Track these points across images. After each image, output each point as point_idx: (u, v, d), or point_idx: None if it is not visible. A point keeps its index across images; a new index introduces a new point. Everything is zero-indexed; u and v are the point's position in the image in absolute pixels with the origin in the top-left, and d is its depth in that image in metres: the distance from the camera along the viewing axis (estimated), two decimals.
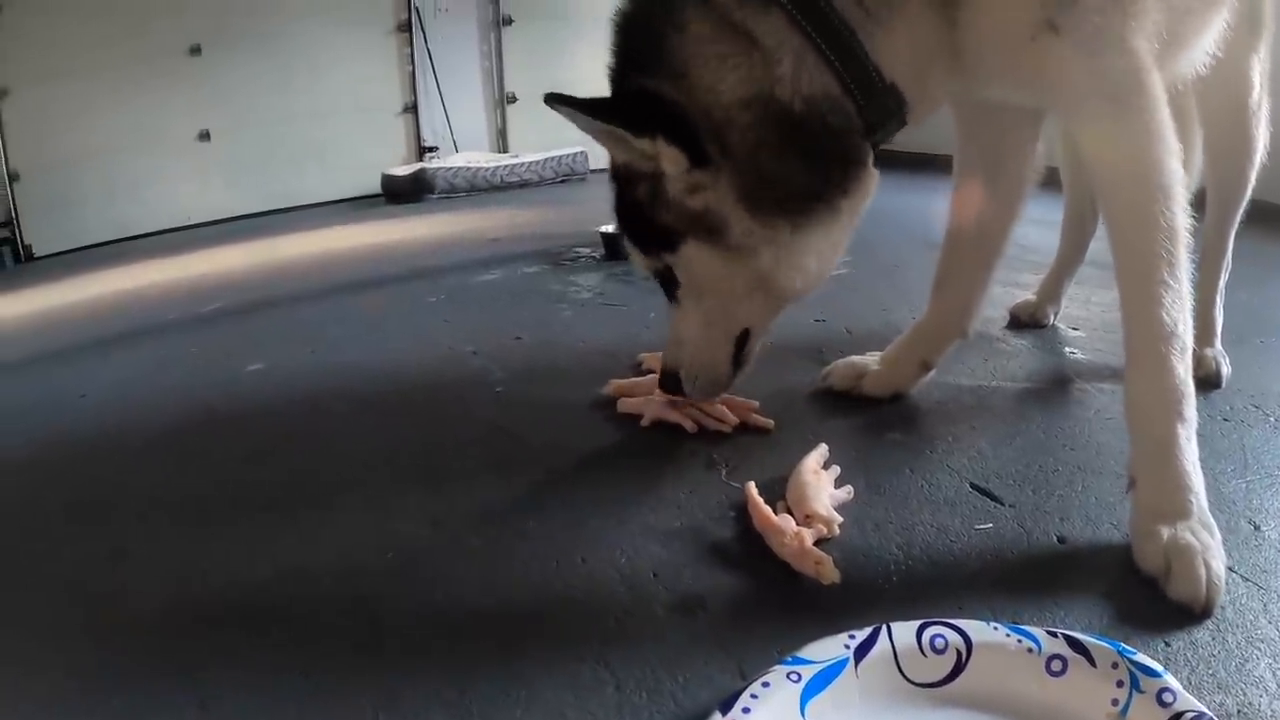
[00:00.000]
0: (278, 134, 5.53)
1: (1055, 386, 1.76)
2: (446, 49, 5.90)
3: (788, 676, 0.87)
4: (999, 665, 0.89)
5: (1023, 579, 1.11)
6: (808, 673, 0.88)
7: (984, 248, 1.62)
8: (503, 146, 6.26)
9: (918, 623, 0.93)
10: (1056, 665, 0.88)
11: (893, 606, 1.04)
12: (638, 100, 1.22)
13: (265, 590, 1.20)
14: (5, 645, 1.15)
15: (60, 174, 4.93)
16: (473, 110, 6.15)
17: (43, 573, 1.32)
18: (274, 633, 1.10)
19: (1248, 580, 1.08)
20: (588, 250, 3.20)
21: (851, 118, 1.21)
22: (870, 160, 1.26)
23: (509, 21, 6.11)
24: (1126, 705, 0.83)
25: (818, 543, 1.15)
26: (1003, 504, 1.29)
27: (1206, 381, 1.64)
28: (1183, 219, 1.12)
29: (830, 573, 1.08)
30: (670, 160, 1.22)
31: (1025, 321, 2.09)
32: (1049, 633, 0.91)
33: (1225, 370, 1.67)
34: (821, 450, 1.39)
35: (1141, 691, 0.83)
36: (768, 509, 1.22)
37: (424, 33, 5.84)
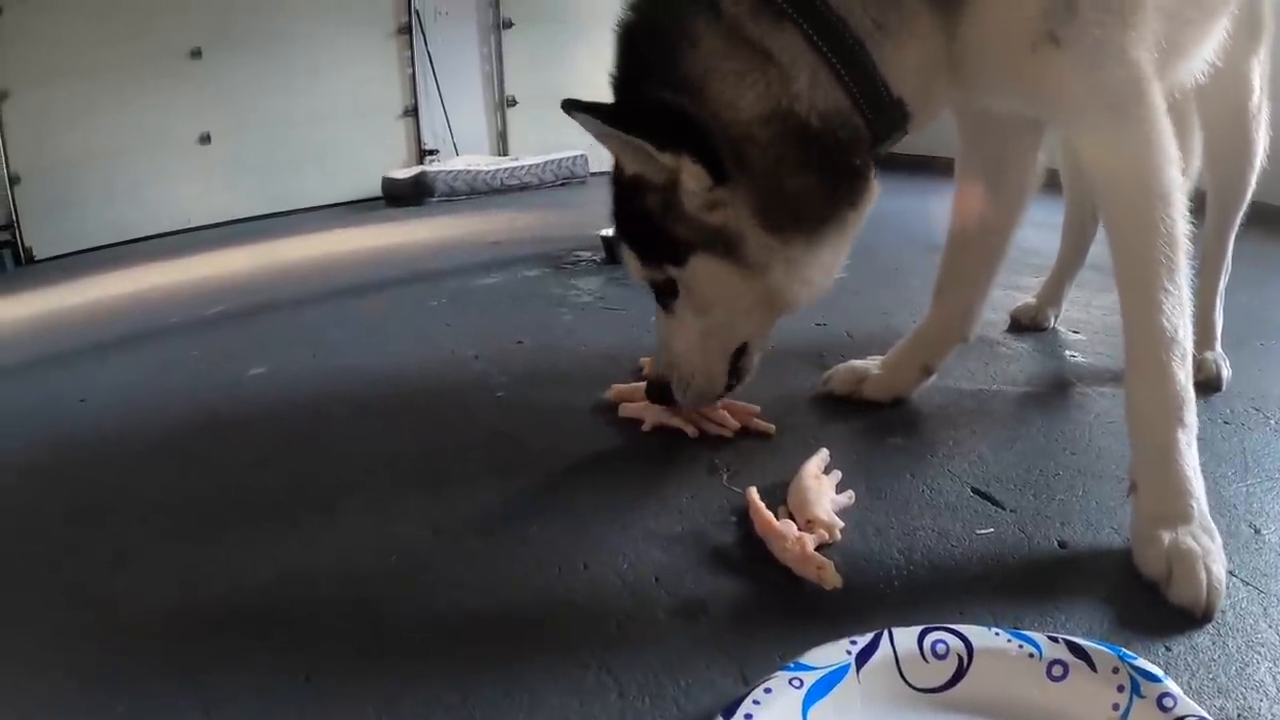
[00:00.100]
0: (278, 137, 5.54)
1: (1056, 390, 1.76)
2: (447, 52, 5.91)
3: (790, 682, 0.87)
4: (1000, 670, 0.90)
5: (1024, 584, 1.11)
6: (810, 678, 0.88)
7: (985, 252, 1.62)
8: (503, 149, 6.27)
9: (919, 628, 0.93)
10: (1057, 670, 0.88)
11: (894, 611, 1.04)
12: (658, 113, 1.20)
13: (267, 594, 1.20)
14: (7, 649, 1.15)
15: (61, 176, 4.95)
16: (473, 113, 6.16)
17: (44, 577, 1.33)
18: (276, 636, 1.10)
19: (1248, 584, 1.08)
20: (588, 254, 3.20)
21: (861, 132, 1.22)
22: (873, 171, 1.27)
23: (509, 24, 6.12)
24: (1127, 710, 0.84)
25: (819, 548, 1.15)
26: (1004, 509, 1.29)
27: (1207, 385, 1.64)
28: (1182, 226, 1.13)
29: (832, 578, 1.08)
30: (692, 176, 1.21)
31: (1026, 325, 2.09)
32: (1050, 638, 0.92)
33: (1226, 373, 1.67)
34: (823, 455, 1.39)
35: (1142, 696, 0.83)
36: (769, 514, 1.22)
37: (424, 36, 5.85)
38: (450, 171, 5.35)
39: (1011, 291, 2.23)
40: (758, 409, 1.61)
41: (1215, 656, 0.95)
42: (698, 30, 1.17)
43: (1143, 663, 0.87)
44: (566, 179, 5.55)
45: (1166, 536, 1.06)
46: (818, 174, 1.22)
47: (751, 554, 1.19)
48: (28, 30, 4.76)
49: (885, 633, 0.93)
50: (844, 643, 0.92)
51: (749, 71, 1.16)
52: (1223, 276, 1.77)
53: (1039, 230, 2.18)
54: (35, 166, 4.92)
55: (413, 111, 5.97)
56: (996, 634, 0.93)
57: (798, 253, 1.27)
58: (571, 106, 1.19)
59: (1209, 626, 1.00)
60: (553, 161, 5.51)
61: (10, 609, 1.25)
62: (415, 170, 5.47)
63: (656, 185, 1.26)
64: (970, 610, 1.05)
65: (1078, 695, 0.86)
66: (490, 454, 1.58)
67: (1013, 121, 1.50)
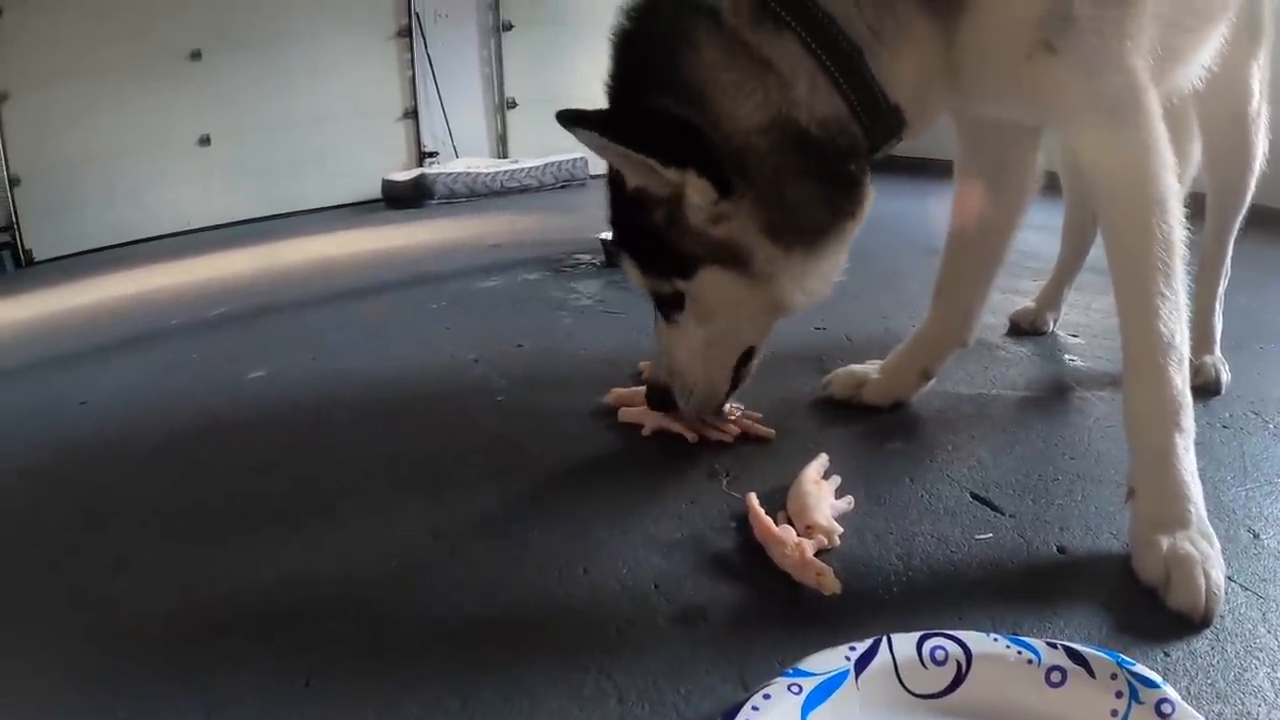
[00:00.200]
0: (278, 139, 5.54)
1: (1055, 394, 1.76)
2: (446, 54, 5.92)
3: (789, 688, 0.87)
4: (999, 676, 0.90)
5: (1023, 589, 1.11)
6: (809, 684, 0.88)
7: (984, 256, 1.63)
8: (503, 152, 6.27)
9: (918, 634, 0.94)
10: (1056, 676, 0.89)
11: (893, 617, 1.04)
12: (660, 125, 1.18)
13: (268, 598, 1.20)
14: (8, 651, 1.15)
15: (61, 178, 4.95)
16: (473, 115, 6.16)
17: (45, 579, 1.33)
18: (277, 640, 1.11)
19: (1247, 589, 1.08)
20: (588, 257, 3.20)
21: (859, 139, 1.22)
22: (868, 177, 1.27)
23: (509, 27, 6.12)
24: (1125, 715, 0.84)
25: (818, 553, 1.15)
26: (1003, 513, 1.29)
27: (1206, 388, 1.64)
28: (1179, 231, 1.13)
29: (831, 583, 1.08)
30: (699, 191, 1.21)
31: (1025, 329, 2.09)
32: (1048, 644, 0.92)
33: (1225, 377, 1.67)
34: (822, 460, 1.39)
35: (1140, 702, 0.84)
36: (768, 519, 1.22)
37: (424, 38, 5.85)
38: (450, 174, 5.36)
39: (1010, 295, 2.23)
40: (759, 415, 1.61)
41: (1214, 662, 0.95)
42: (698, 39, 1.17)
43: (1141, 668, 0.87)
44: (566, 181, 5.55)
45: (1165, 542, 1.07)
46: (817, 182, 1.22)
47: (751, 559, 1.19)
48: (28, 32, 4.76)
49: (884, 639, 0.93)
50: (843, 648, 0.92)
51: (749, 80, 1.16)
52: (1222, 280, 1.78)
53: (1038, 233, 2.19)
54: (35, 168, 4.92)
55: (412, 114, 5.98)
56: (995, 640, 0.93)
57: (801, 261, 1.27)
58: (572, 121, 1.18)
59: (1207, 632, 1.00)
60: (552, 164, 5.51)
61: (11, 611, 1.25)
62: (415, 173, 5.47)
63: (660, 199, 1.25)
64: (969, 616, 1.05)
65: (1076, 701, 0.86)
66: (490, 458, 1.58)
67: (1011, 125, 1.50)
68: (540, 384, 1.95)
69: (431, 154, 5.98)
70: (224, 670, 1.05)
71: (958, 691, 0.90)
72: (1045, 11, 1.11)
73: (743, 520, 1.27)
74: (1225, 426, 1.53)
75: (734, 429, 1.57)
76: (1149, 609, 1.04)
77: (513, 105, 6.22)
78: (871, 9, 1.15)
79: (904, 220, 3.12)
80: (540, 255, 3.33)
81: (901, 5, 1.15)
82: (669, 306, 1.39)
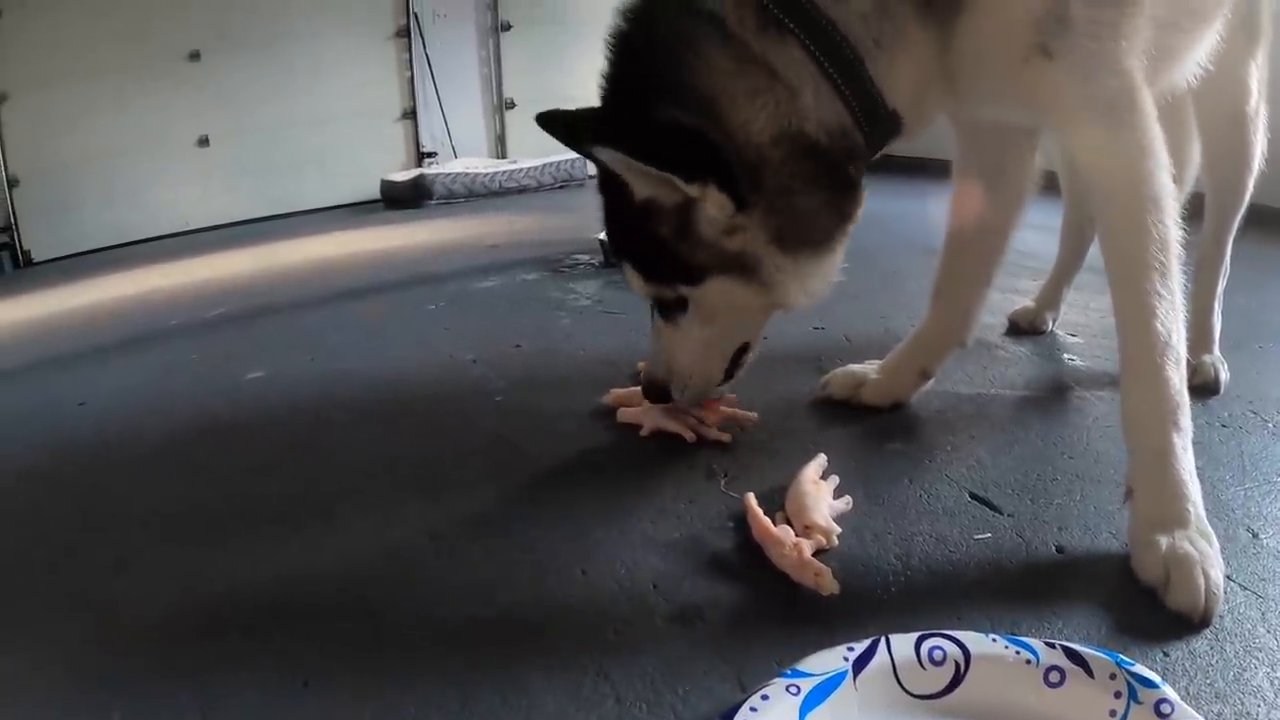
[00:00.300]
0: (277, 139, 5.54)
1: (1054, 394, 1.76)
2: (445, 54, 5.91)
3: (787, 689, 0.87)
4: (997, 677, 0.90)
5: (1021, 589, 1.11)
6: (807, 685, 0.88)
7: (983, 255, 1.63)
8: (501, 152, 6.27)
9: (916, 634, 0.93)
10: (1055, 676, 0.88)
11: (891, 617, 1.04)
12: (678, 139, 1.16)
13: (266, 599, 1.20)
14: (7, 652, 1.15)
15: (59, 179, 4.95)
16: (471, 116, 6.16)
17: (44, 581, 1.33)
18: (275, 641, 1.11)
19: (1246, 589, 1.08)
20: (586, 257, 3.20)
21: (859, 145, 1.22)
22: (863, 179, 1.28)
23: (507, 27, 6.12)
24: (1124, 716, 0.84)
25: (816, 553, 1.15)
26: (1001, 513, 1.29)
27: (1205, 388, 1.64)
28: (1175, 230, 1.14)
29: (829, 584, 1.08)
30: (717, 205, 1.20)
31: (1024, 328, 2.09)
32: (1047, 644, 0.92)
33: (1223, 376, 1.67)
34: (820, 460, 1.39)
35: (1139, 702, 0.84)
36: (766, 520, 1.22)
37: (423, 38, 5.85)
38: (449, 174, 5.35)
39: (1010, 295, 2.23)
40: (734, 397, 1.63)
41: (1213, 662, 0.95)
42: (703, 47, 1.16)
43: (1140, 668, 0.87)
44: (565, 181, 5.54)
45: (1164, 541, 1.07)
46: (824, 190, 1.23)
47: (749, 560, 1.19)
48: (27, 33, 4.76)
49: (882, 639, 0.93)
50: (841, 649, 0.92)
51: (760, 92, 1.16)
52: (1221, 279, 1.78)
53: (1037, 233, 2.18)
54: (34, 169, 4.92)
55: (411, 114, 5.97)
56: (993, 640, 0.93)
57: (805, 265, 1.28)
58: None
59: (1206, 632, 1.00)
60: (551, 164, 5.50)
61: (10, 611, 1.25)
62: (414, 173, 5.46)
63: (669, 209, 1.24)
64: (967, 616, 1.05)
65: (1075, 701, 0.86)
66: (488, 459, 1.58)
67: (1008, 126, 1.50)
68: (539, 384, 1.95)
69: (430, 154, 5.98)
70: (223, 670, 1.05)
71: (956, 692, 0.90)
72: (1041, 15, 1.11)
73: (741, 520, 1.27)
74: (1224, 426, 1.53)
75: (724, 411, 1.58)
76: (1148, 609, 1.04)
77: (511, 106, 6.21)
78: (870, 15, 1.15)
79: (902, 220, 3.12)
80: (539, 255, 3.33)
81: (899, 11, 1.16)
82: (671, 309, 1.39)
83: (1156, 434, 1.13)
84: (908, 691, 0.90)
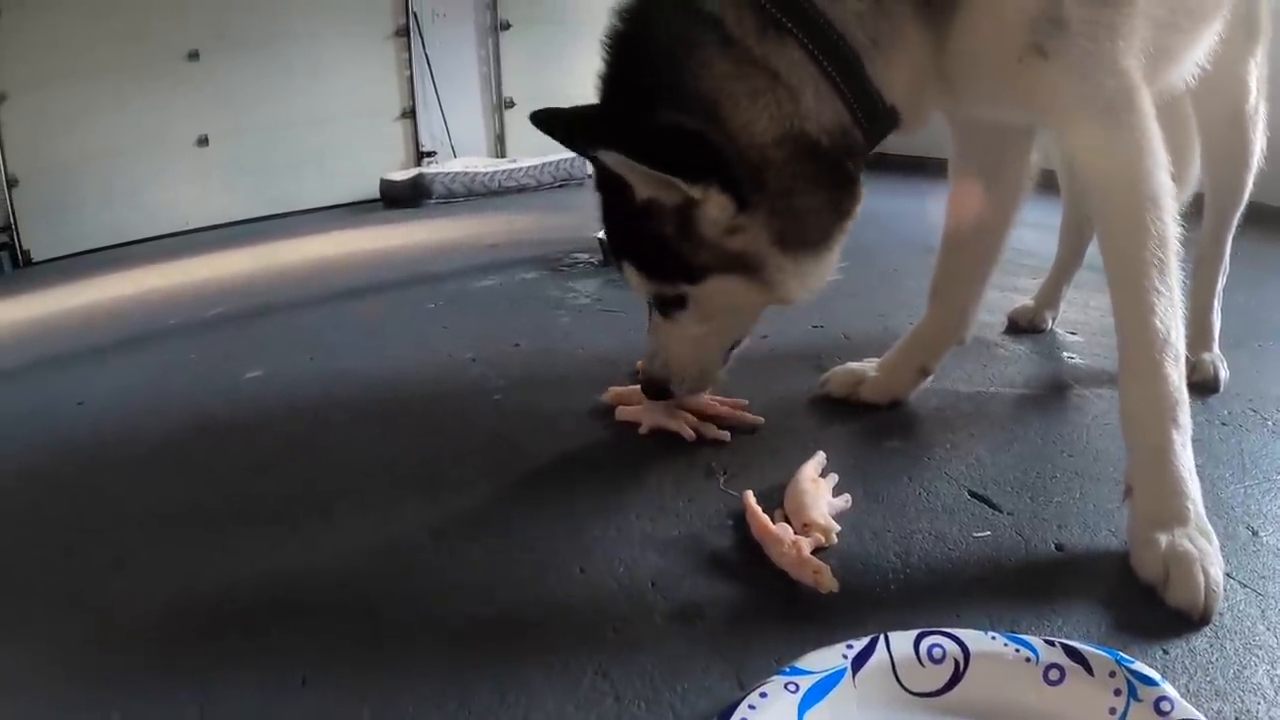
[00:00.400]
0: (276, 139, 5.54)
1: (1053, 392, 1.76)
2: (444, 54, 5.91)
3: (785, 687, 0.87)
4: (997, 674, 0.89)
5: (1020, 587, 1.11)
6: (805, 683, 0.88)
7: (980, 253, 1.62)
8: (501, 151, 6.27)
9: (915, 632, 0.93)
10: (1054, 674, 0.88)
11: (890, 615, 1.04)
12: (678, 140, 1.17)
13: (265, 598, 1.20)
14: (5, 651, 1.15)
15: (59, 179, 4.95)
16: (471, 115, 6.16)
17: (42, 580, 1.33)
18: (274, 639, 1.11)
19: (1246, 586, 1.08)
20: (585, 256, 3.20)
21: (859, 143, 1.23)
22: (861, 174, 1.28)
23: (506, 26, 6.12)
24: (1124, 714, 0.83)
25: (815, 551, 1.15)
26: (1001, 511, 1.29)
27: (1204, 386, 1.64)
28: (1173, 228, 1.13)
29: (828, 581, 1.08)
30: (719, 207, 1.21)
31: (1023, 326, 2.09)
32: (1046, 641, 0.91)
33: (1223, 375, 1.67)
34: (819, 458, 1.39)
35: (1139, 700, 0.83)
36: (765, 517, 1.22)
37: (422, 38, 5.85)
38: (448, 173, 5.35)
39: (1009, 293, 2.23)
40: (746, 402, 1.62)
41: (1213, 659, 0.95)
42: (704, 50, 1.16)
43: (1140, 666, 0.87)
44: (564, 181, 5.54)
45: (1163, 539, 1.06)
46: (825, 189, 1.24)
47: (748, 558, 1.19)
48: (25, 32, 4.76)
49: (881, 637, 0.93)
50: (840, 647, 0.92)
51: (761, 93, 1.16)
52: (1220, 277, 1.77)
53: (1036, 231, 2.19)
54: (33, 169, 4.92)
55: (410, 113, 5.97)
56: (993, 638, 0.93)
57: (805, 262, 1.28)
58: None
59: (1206, 629, 1.00)
60: (550, 163, 5.50)
61: (9, 612, 1.25)
62: (413, 172, 5.47)
63: (670, 210, 1.24)
64: (967, 614, 1.05)
65: (1074, 699, 0.86)
66: (487, 457, 1.58)
67: (1006, 124, 1.50)
68: (538, 383, 1.95)
69: (429, 153, 5.98)
70: (220, 669, 1.05)
71: (955, 690, 0.89)
72: (1036, 15, 1.11)
73: (740, 518, 1.27)
74: (1224, 424, 1.53)
75: (722, 410, 1.59)
76: (1148, 606, 1.04)
77: (510, 105, 6.21)
78: (867, 15, 1.15)
79: (901, 219, 3.11)
80: (538, 254, 3.33)
81: (896, 11, 1.16)
82: (670, 306, 1.39)
83: (1155, 431, 1.12)
84: (907, 689, 0.90)
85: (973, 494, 1.34)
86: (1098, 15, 1.12)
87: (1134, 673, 0.86)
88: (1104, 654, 0.89)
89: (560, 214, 4.43)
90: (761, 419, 1.60)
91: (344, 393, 1.99)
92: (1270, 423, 1.53)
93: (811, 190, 1.23)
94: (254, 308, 3.03)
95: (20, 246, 4.95)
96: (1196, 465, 1.13)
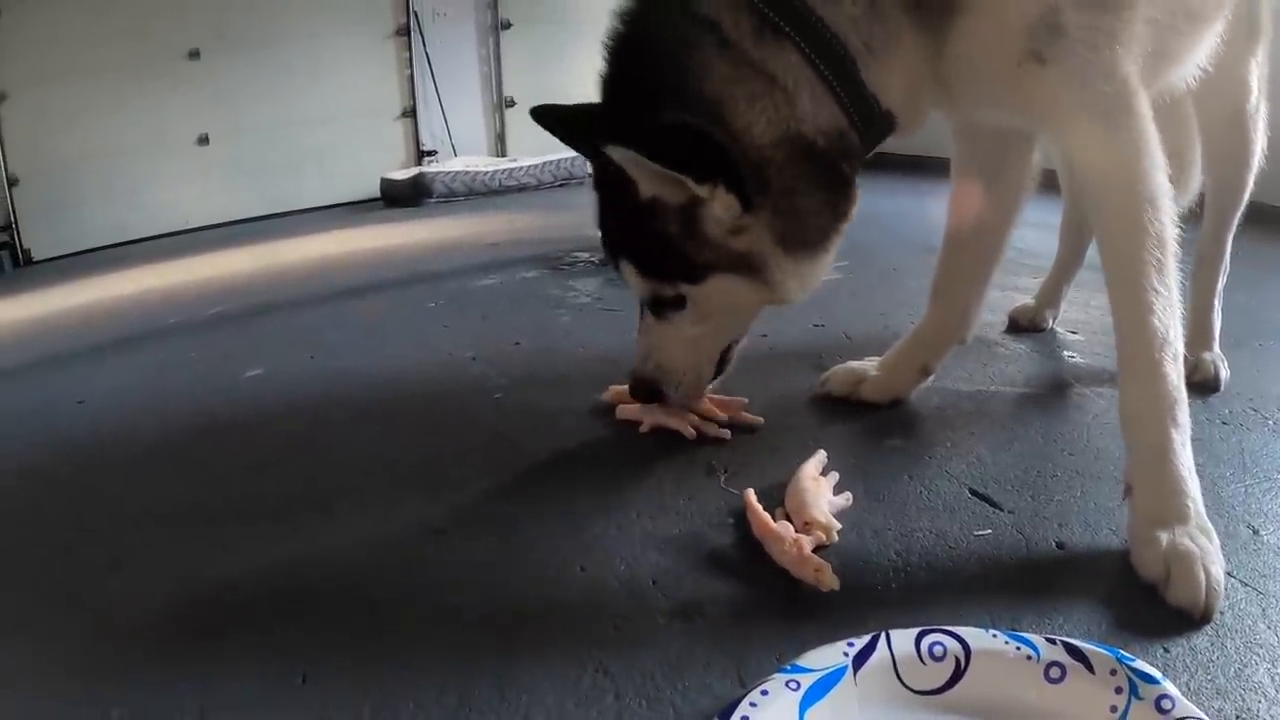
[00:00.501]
0: (276, 138, 5.53)
1: (1054, 391, 1.76)
2: (445, 53, 5.90)
3: (786, 684, 0.87)
4: (998, 672, 0.89)
5: (1021, 585, 1.11)
6: (806, 680, 0.88)
7: (981, 252, 1.62)
8: (501, 150, 6.26)
9: (916, 630, 0.93)
10: (1055, 672, 0.88)
11: (891, 613, 1.04)
12: (686, 140, 1.17)
13: (264, 596, 1.20)
14: (5, 651, 1.15)
15: (59, 178, 4.94)
16: (471, 114, 6.15)
17: (42, 580, 1.32)
18: (274, 638, 1.10)
19: (1246, 585, 1.08)
20: (586, 255, 3.19)
21: (855, 145, 1.24)
22: (857, 177, 1.29)
23: (507, 26, 6.11)
24: (1125, 712, 0.83)
25: (816, 549, 1.15)
26: (1001, 510, 1.29)
27: (1205, 385, 1.64)
28: (1171, 229, 1.14)
29: (829, 579, 1.08)
30: (724, 206, 1.21)
31: (1024, 326, 2.09)
32: (1048, 639, 0.91)
33: (1224, 374, 1.67)
34: (820, 456, 1.39)
35: (1140, 698, 0.83)
36: (766, 516, 1.22)
37: (422, 37, 5.84)
38: (448, 172, 5.34)
39: (1010, 292, 2.23)
40: (745, 401, 1.62)
41: (1213, 658, 0.95)
42: (704, 54, 1.17)
43: (1141, 664, 0.87)
44: (565, 180, 5.53)
45: (1164, 538, 1.06)
46: (824, 190, 1.25)
47: (749, 556, 1.19)
48: (26, 31, 4.76)
49: (882, 634, 0.93)
50: (841, 645, 0.92)
51: (759, 96, 1.17)
52: (1221, 277, 1.77)
53: (1037, 231, 2.19)
54: (33, 168, 4.91)
55: (411, 113, 5.96)
56: (994, 636, 0.93)
57: (804, 265, 1.30)
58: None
59: (1207, 628, 1.00)
60: (551, 162, 5.49)
61: (7, 611, 1.25)
62: (413, 171, 5.46)
63: (674, 209, 1.24)
64: (968, 612, 1.05)
65: (1075, 697, 0.86)
66: (488, 456, 1.58)
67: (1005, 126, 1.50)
68: (538, 382, 1.95)
69: (430, 153, 5.98)
70: (220, 668, 1.05)
71: (956, 687, 0.89)
72: (1034, 22, 1.11)
73: (741, 516, 1.27)
74: (1224, 423, 1.53)
75: (721, 415, 1.58)
76: (1148, 605, 1.04)
77: (511, 104, 6.21)
78: (861, 19, 1.16)
79: (901, 218, 3.10)
80: (538, 253, 3.33)
81: (892, 16, 1.17)
82: (666, 306, 1.39)
83: (1155, 430, 1.13)
84: (908, 687, 0.90)
85: (974, 492, 1.34)
86: (1097, 22, 1.12)
87: (1135, 671, 0.86)
88: (1105, 652, 0.89)
89: (561, 213, 4.43)
90: (761, 419, 1.60)
91: (344, 391, 1.99)
92: (1271, 422, 1.53)
93: (811, 191, 1.24)
94: (254, 306, 3.03)
95: (21, 245, 4.95)
96: (1197, 464, 1.14)
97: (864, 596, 1.10)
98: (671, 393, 1.48)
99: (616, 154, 1.18)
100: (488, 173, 5.40)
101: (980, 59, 1.17)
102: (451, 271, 3.22)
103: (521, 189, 5.42)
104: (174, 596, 1.22)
